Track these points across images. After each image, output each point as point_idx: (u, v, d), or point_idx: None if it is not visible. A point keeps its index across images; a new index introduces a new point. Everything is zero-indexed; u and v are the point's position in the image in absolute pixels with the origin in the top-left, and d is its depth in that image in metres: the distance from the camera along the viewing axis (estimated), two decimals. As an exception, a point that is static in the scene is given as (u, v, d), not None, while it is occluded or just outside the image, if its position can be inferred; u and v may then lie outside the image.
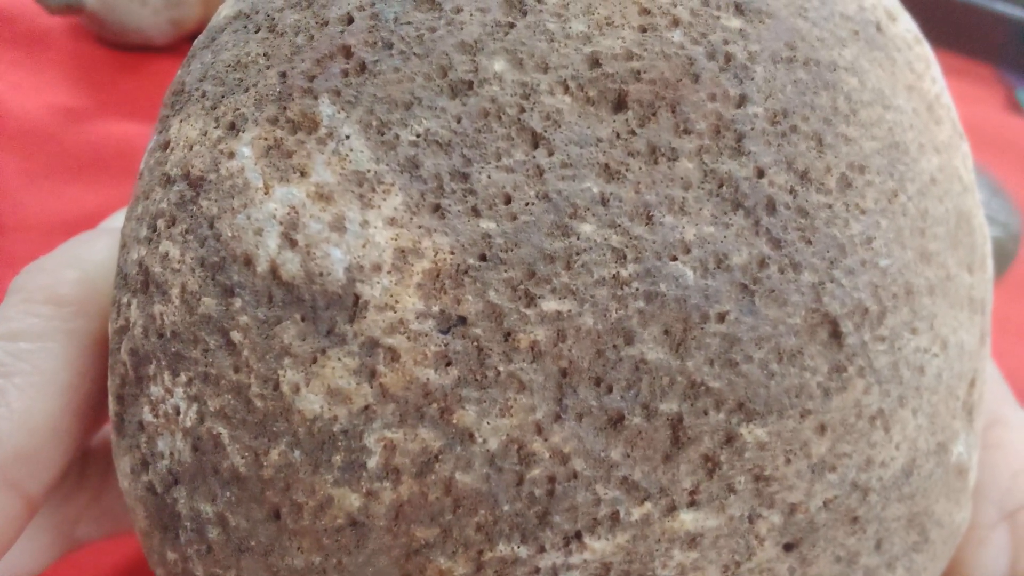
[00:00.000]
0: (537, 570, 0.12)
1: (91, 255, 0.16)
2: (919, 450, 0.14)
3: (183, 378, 0.13)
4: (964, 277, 0.15)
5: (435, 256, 0.12)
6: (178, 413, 0.13)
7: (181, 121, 0.14)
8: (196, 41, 0.16)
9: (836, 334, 0.13)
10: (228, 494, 0.13)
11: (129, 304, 0.14)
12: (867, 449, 0.14)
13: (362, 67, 0.13)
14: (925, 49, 0.16)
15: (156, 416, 0.14)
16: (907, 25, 0.16)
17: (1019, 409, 0.19)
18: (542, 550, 0.12)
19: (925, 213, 0.15)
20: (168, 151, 0.14)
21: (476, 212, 0.12)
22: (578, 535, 0.12)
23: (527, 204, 0.12)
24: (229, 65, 0.14)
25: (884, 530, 0.14)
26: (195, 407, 0.13)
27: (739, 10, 0.13)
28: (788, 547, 0.13)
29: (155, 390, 0.14)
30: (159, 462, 0.14)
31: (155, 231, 0.14)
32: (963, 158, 0.16)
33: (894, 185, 0.14)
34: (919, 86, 0.15)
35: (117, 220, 0.18)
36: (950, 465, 0.15)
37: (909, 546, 0.15)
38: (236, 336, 0.13)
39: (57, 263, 0.16)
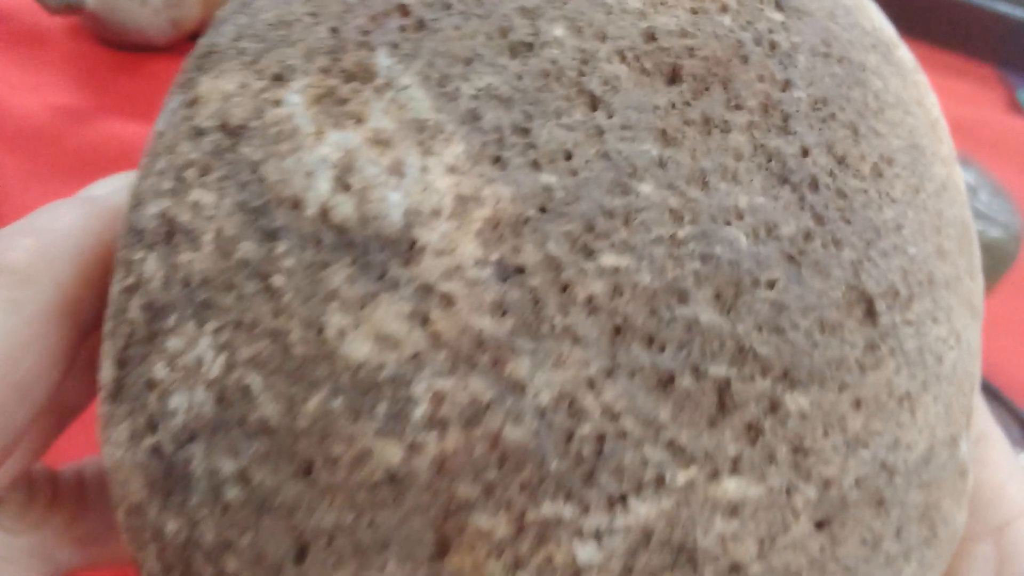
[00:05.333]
0: (580, 532, 0.12)
1: (51, 224, 0.16)
2: (937, 438, 0.14)
3: (211, 327, 0.13)
4: (968, 282, 0.16)
5: (496, 204, 0.12)
6: (200, 364, 0.13)
7: (214, 77, 0.14)
8: (222, 11, 0.15)
9: (871, 312, 0.13)
10: (254, 448, 0.12)
11: (144, 259, 0.14)
12: (896, 430, 0.14)
13: (421, 24, 0.13)
14: (925, 77, 0.17)
15: (173, 370, 0.13)
16: (907, 54, 0.17)
17: (996, 424, 0.19)
18: (587, 511, 0.12)
19: (940, 213, 0.15)
20: (197, 106, 0.14)
21: (537, 165, 0.12)
22: (623, 497, 0.12)
23: (587, 161, 0.12)
24: (271, 24, 0.14)
25: (905, 517, 0.14)
26: (223, 356, 0.13)
27: (779, 6, 0.14)
28: (820, 525, 0.13)
29: (174, 342, 0.13)
30: (171, 420, 0.13)
31: (183, 181, 0.14)
32: (959, 175, 0.17)
33: (916, 182, 0.15)
34: (924, 104, 0.16)
35: (96, 189, 0.17)
36: (958, 461, 0.15)
37: (922, 539, 0.15)
38: (278, 280, 0.12)
39: (13, 231, 0.15)
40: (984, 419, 0.19)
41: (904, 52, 0.17)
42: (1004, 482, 0.18)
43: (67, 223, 0.16)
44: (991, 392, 0.39)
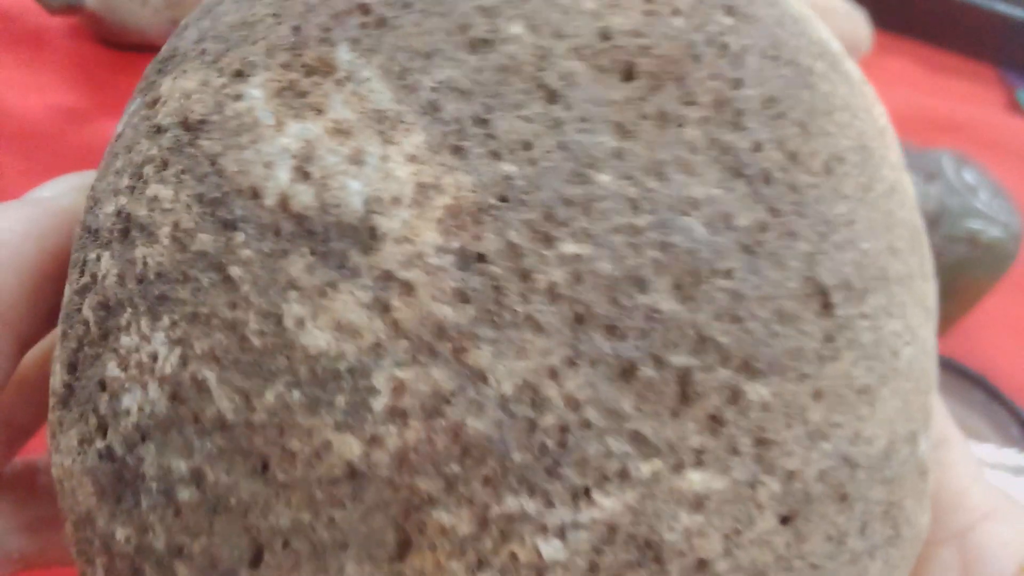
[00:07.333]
0: (544, 528, 0.12)
1: None
2: (897, 433, 0.15)
3: (165, 321, 0.12)
4: (921, 282, 0.16)
5: (456, 193, 0.12)
6: (155, 360, 0.12)
7: (175, 78, 0.14)
8: (188, 17, 0.15)
9: (827, 304, 0.14)
10: (209, 445, 0.12)
11: (99, 258, 0.13)
12: (856, 422, 0.14)
13: (382, 21, 0.13)
14: (871, 89, 0.18)
15: (125, 369, 0.13)
16: (854, 67, 0.17)
17: (958, 429, 0.19)
18: (551, 505, 0.12)
19: (891, 213, 0.15)
20: (158, 106, 0.14)
21: (497, 155, 0.12)
22: (587, 491, 0.12)
23: (547, 151, 0.13)
24: (233, 25, 0.14)
25: (868, 513, 0.14)
26: (178, 351, 0.12)
27: (729, 11, 0.15)
28: (785, 520, 0.13)
29: (127, 340, 0.13)
30: (123, 420, 0.13)
31: (141, 178, 0.13)
32: (908, 183, 0.17)
33: (866, 181, 0.15)
34: (872, 112, 0.16)
35: (43, 191, 0.17)
36: (918, 459, 0.15)
37: (886, 538, 0.15)
38: (235, 271, 0.12)
39: None
40: (945, 423, 0.19)
41: (851, 66, 0.17)
42: (967, 486, 0.18)
43: (6, 227, 0.15)
44: (991, 392, 0.39)
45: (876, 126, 0.16)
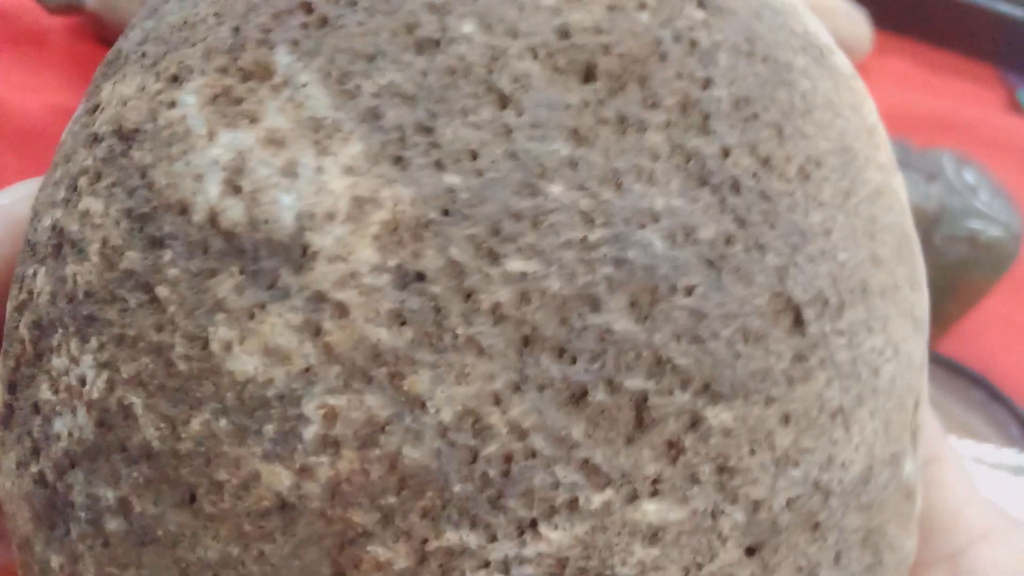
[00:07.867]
0: (487, 563, 0.11)
1: None
2: (876, 457, 0.14)
3: (93, 344, 0.12)
4: (908, 293, 0.15)
5: (395, 207, 0.12)
6: (83, 384, 0.12)
7: (115, 83, 0.13)
8: (136, 17, 0.15)
9: (799, 321, 0.13)
10: (135, 474, 0.12)
11: (35, 274, 0.13)
12: (828, 447, 0.13)
13: (324, 21, 0.13)
14: (862, 84, 0.17)
15: (56, 392, 0.12)
16: (844, 60, 0.17)
17: (953, 447, 0.18)
18: (494, 539, 0.11)
19: (874, 219, 0.15)
20: (97, 112, 0.13)
21: (440, 166, 0.12)
22: (533, 523, 0.12)
23: (494, 161, 0.12)
24: (174, 26, 0.13)
25: (843, 542, 0.14)
26: (105, 375, 0.12)
27: (700, 4, 0.14)
28: (750, 551, 0.13)
29: (58, 362, 0.12)
30: (54, 445, 0.12)
31: (75, 190, 0.13)
32: (900, 184, 0.16)
33: (847, 185, 0.14)
34: (861, 110, 0.16)
35: (0, 198, 0.16)
36: (902, 481, 0.15)
37: (865, 566, 0.14)
38: (162, 291, 0.12)
39: None
40: (937, 440, 0.18)
41: (840, 59, 0.16)
42: (961, 506, 0.17)
43: None
44: (991, 392, 0.39)
45: (863, 124, 0.15)
